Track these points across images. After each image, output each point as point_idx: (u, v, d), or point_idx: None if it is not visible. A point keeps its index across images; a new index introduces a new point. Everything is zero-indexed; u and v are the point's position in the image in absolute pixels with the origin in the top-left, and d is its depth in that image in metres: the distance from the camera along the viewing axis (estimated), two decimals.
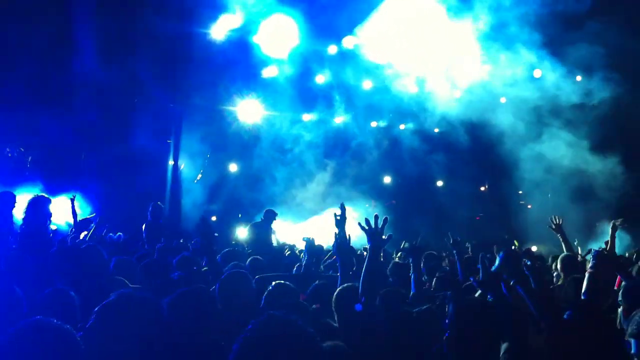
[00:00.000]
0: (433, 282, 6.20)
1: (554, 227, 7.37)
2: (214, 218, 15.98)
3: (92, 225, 7.86)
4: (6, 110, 12.14)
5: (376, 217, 4.14)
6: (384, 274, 6.07)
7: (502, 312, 3.50)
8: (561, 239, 7.29)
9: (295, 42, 16.38)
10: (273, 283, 4.47)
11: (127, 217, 11.49)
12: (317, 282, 4.90)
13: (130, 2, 13.44)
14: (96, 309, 2.88)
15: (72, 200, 8.28)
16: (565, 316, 3.65)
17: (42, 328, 2.55)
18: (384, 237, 4.07)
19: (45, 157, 13.38)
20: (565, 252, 6.84)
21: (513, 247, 10.03)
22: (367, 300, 3.87)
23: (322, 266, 7.91)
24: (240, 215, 16.84)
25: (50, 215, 7.11)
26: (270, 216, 10.55)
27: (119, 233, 9.54)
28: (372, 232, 4.08)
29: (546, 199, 16.81)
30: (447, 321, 3.14)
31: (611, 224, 7.24)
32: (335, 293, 4.14)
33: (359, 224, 4.09)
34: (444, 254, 10.56)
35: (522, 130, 16.37)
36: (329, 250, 10.00)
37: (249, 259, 6.79)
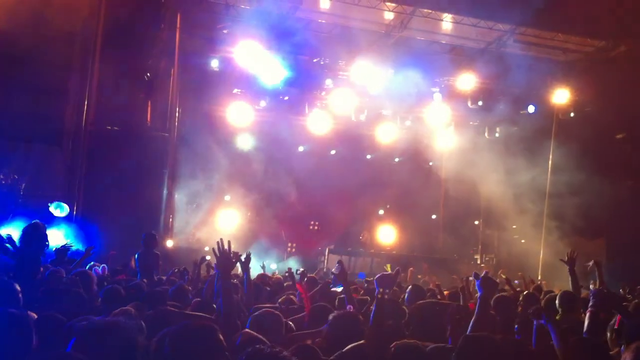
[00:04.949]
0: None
1: (566, 260, 7.07)
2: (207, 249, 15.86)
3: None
4: None
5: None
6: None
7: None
8: (570, 275, 7.01)
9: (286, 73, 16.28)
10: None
11: (122, 248, 11.29)
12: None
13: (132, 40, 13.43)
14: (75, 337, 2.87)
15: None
16: None
17: None
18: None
19: (38, 185, 13.29)
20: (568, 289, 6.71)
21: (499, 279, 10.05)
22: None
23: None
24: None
25: (46, 240, 7.14)
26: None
27: (102, 265, 9.18)
28: (381, 278, 4.09)
29: (539, 234, 16.83)
30: None
31: (592, 263, 7.09)
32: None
33: (375, 280, 4.10)
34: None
35: (511, 164, 16.53)
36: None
37: None
